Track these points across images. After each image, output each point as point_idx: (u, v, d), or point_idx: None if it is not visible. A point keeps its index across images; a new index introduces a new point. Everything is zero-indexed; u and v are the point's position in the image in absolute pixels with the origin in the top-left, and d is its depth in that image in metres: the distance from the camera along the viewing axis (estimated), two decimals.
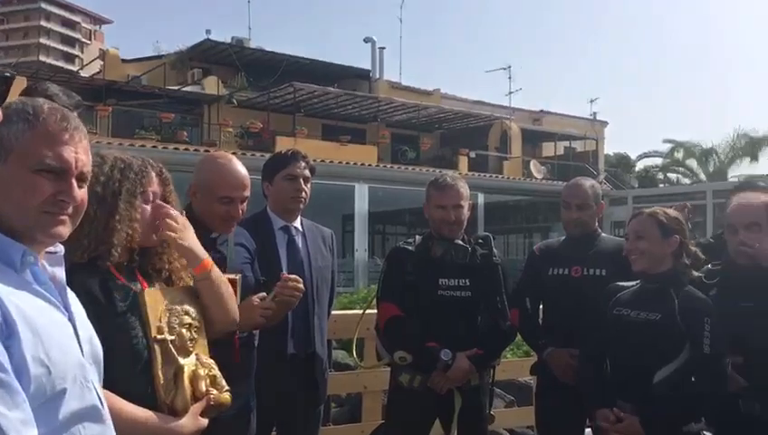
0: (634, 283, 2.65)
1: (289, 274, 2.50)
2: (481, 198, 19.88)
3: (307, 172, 3.04)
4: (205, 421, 1.71)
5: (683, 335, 2.42)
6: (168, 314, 1.73)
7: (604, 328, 2.64)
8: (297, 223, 3.09)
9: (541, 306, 3.40)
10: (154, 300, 1.71)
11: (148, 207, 1.78)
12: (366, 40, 26.63)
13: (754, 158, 28.35)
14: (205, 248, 1.90)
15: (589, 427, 3.07)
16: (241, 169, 2.46)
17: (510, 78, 27.09)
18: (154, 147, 16.45)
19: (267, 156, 3.35)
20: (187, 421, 1.66)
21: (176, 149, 17.04)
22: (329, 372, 3.31)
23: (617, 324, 2.58)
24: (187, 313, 1.78)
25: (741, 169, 28.59)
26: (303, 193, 3.02)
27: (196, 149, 17.29)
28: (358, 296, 9.85)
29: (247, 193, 2.46)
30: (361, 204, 19.24)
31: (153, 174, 1.81)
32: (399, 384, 3.05)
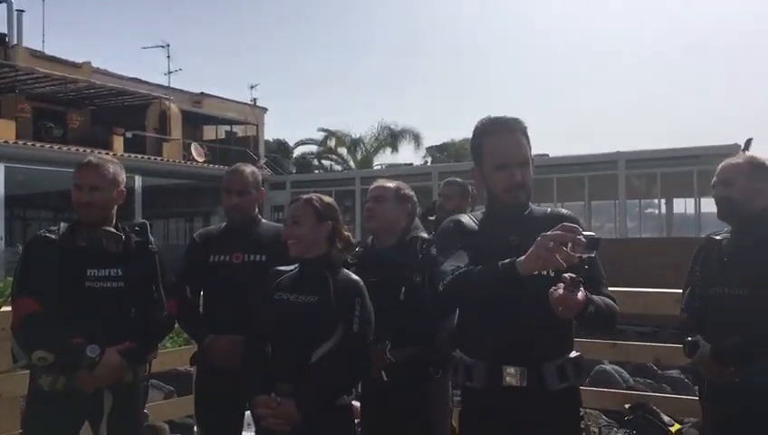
0: (293, 267, 2.72)
1: None
2: (138, 181, 19.03)
3: None
4: None
5: (337, 315, 2.55)
6: None
7: (265, 313, 2.66)
8: None
9: (202, 294, 3.34)
10: None
11: None
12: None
13: (395, 148, 31.90)
14: None
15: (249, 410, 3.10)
16: None
17: (169, 57, 26.19)
18: None
19: None
20: None
21: None
22: None
23: (277, 309, 2.63)
24: None
25: (384, 158, 31.95)
26: None
27: None
28: None
29: None
30: None
31: None
32: (40, 388, 2.73)
